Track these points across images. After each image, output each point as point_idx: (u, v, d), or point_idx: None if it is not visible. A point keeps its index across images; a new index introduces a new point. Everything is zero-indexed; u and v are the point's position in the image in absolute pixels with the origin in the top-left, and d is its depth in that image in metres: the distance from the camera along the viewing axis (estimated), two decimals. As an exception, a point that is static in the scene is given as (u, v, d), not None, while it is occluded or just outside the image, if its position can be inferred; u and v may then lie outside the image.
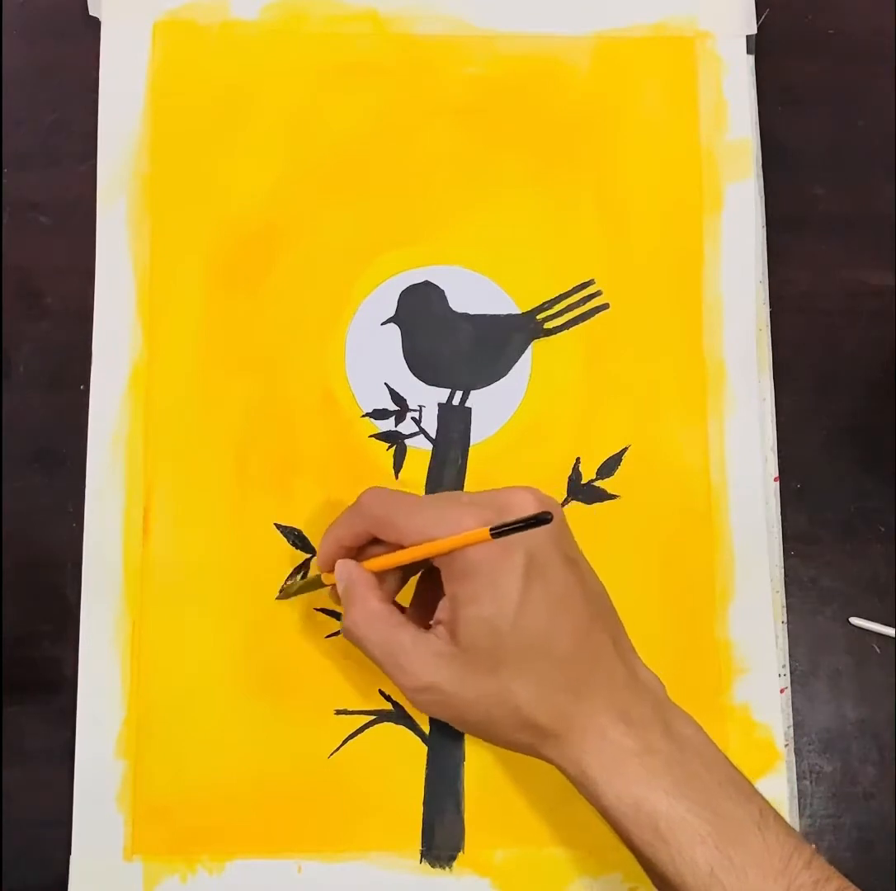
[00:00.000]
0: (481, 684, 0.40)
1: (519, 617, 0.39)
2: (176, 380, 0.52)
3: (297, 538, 0.51)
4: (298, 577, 0.50)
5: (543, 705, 0.40)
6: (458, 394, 0.53)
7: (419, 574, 0.46)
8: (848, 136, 0.56)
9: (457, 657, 0.40)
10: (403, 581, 0.45)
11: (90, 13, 0.55)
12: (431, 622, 0.42)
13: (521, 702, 0.40)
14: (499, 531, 0.38)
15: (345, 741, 0.49)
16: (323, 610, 0.50)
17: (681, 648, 0.50)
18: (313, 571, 0.50)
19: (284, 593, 0.50)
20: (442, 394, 0.53)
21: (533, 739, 0.41)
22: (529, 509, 0.39)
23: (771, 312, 0.54)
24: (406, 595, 0.46)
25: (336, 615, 0.50)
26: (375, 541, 0.44)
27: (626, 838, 0.40)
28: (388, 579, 0.44)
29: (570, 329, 0.53)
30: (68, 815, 0.48)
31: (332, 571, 0.45)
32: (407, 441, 0.52)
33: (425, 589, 0.46)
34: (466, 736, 0.49)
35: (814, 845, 0.39)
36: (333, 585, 0.45)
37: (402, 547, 0.42)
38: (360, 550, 0.44)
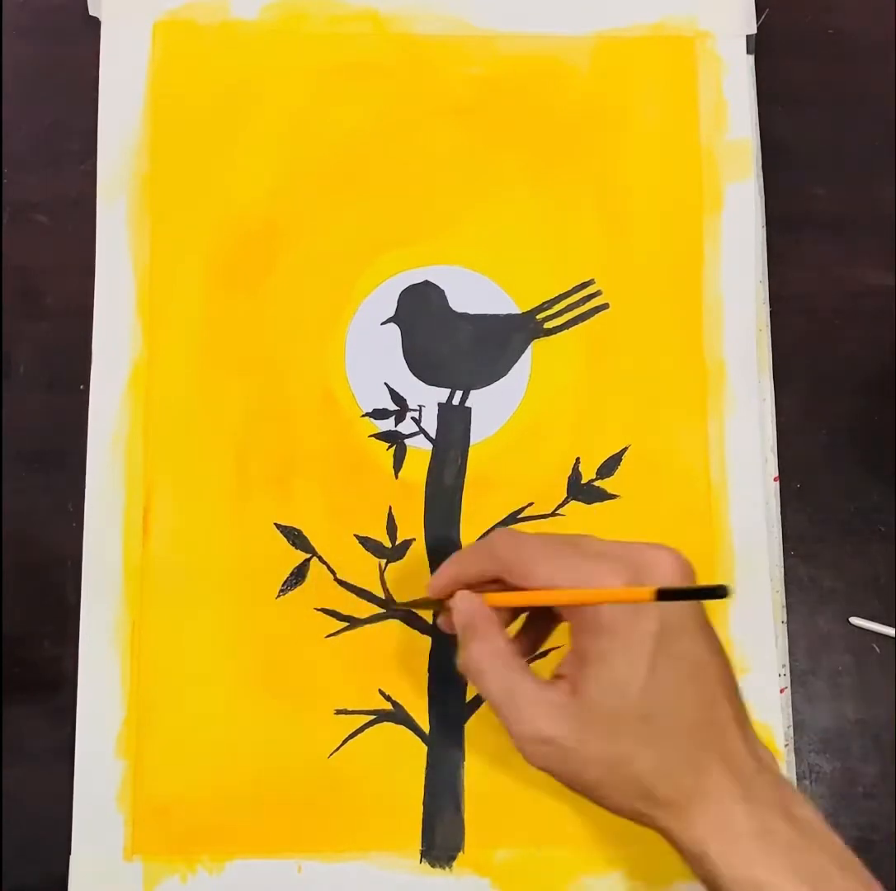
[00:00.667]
0: (602, 745, 0.38)
1: (648, 683, 0.38)
2: (176, 380, 0.52)
3: (297, 538, 0.51)
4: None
5: (664, 777, 0.38)
6: (458, 394, 0.53)
7: (528, 613, 0.45)
8: (848, 136, 0.56)
9: (578, 715, 0.38)
10: (514, 618, 0.44)
11: (90, 13, 0.55)
12: (555, 674, 0.41)
13: (642, 770, 0.38)
14: (668, 593, 0.36)
15: (345, 741, 0.49)
16: (324, 610, 0.50)
17: (681, 648, 0.50)
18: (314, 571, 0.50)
19: (400, 605, 0.50)
20: (442, 394, 0.53)
21: (649, 809, 0.39)
22: (669, 572, 0.38)
23: (771, 312, 0.54)
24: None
25: (337, 615, 0.50)
26: (495, 580, 0.42)
27: None
28: (502, 614, 0.43)
29: (570, 329, 0.53)
30: (68, 815, 0.48)
31: (442, 597, 0.44)
32: (407, 441, 0.52)
33: (532, 628, 0.45)
34: (466, 735, 0.50)
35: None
36: (447, 612, 0.44)
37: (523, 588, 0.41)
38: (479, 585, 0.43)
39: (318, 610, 0.50)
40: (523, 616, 0.44)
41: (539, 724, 0.39)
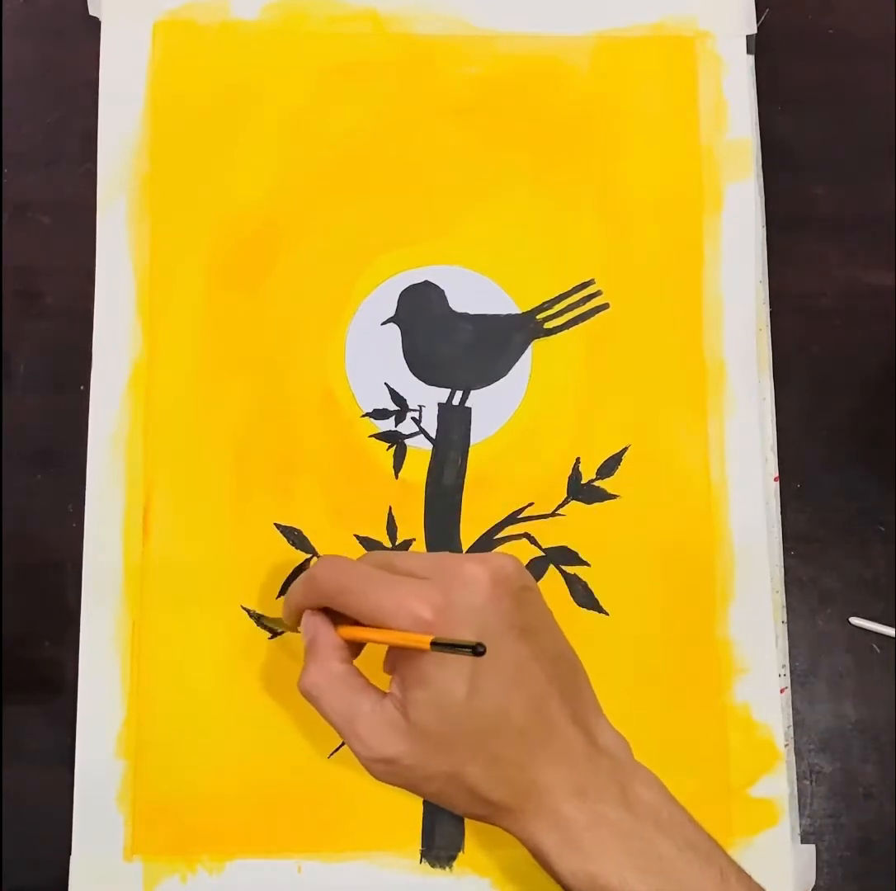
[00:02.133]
0: (435, 761, 0.39)
1: (469, 700, 0.38)
2: (176, 380, 0.52)
3: (296, 538, 0.51)
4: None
5: (497, 784, 0.39)
6: (458, 394, 0.53)
7: None
8: (848, 136, 0.56)
9: (411, 734, 0.39)
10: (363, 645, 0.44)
11: (90, 13, 0.55)
12: (387, 692, 0.41)
13: (475, 782, 0.39)
14: (438, 646, 0.37)
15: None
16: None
17: (681, 648, 0.50)
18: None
19: (268, 621, 0.50)
20: (442, 394, 0.53)
21: (488, 813, 0.40)
22: (477, 587, 0.39)
23: (771, 312, 0.54)
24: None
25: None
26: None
27: None
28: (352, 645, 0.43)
29: (570, 329, 0.53)
30: (68, 815, 0.48)
31: (293, 626, 0.44)
32: (407, 441, 0.52)
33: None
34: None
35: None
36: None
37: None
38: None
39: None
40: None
41: (376, 746, 0.39)
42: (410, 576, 0.40)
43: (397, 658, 0.41)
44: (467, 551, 0.51)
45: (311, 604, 0.43)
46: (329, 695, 0.41)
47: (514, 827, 0.40)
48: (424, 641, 0.37)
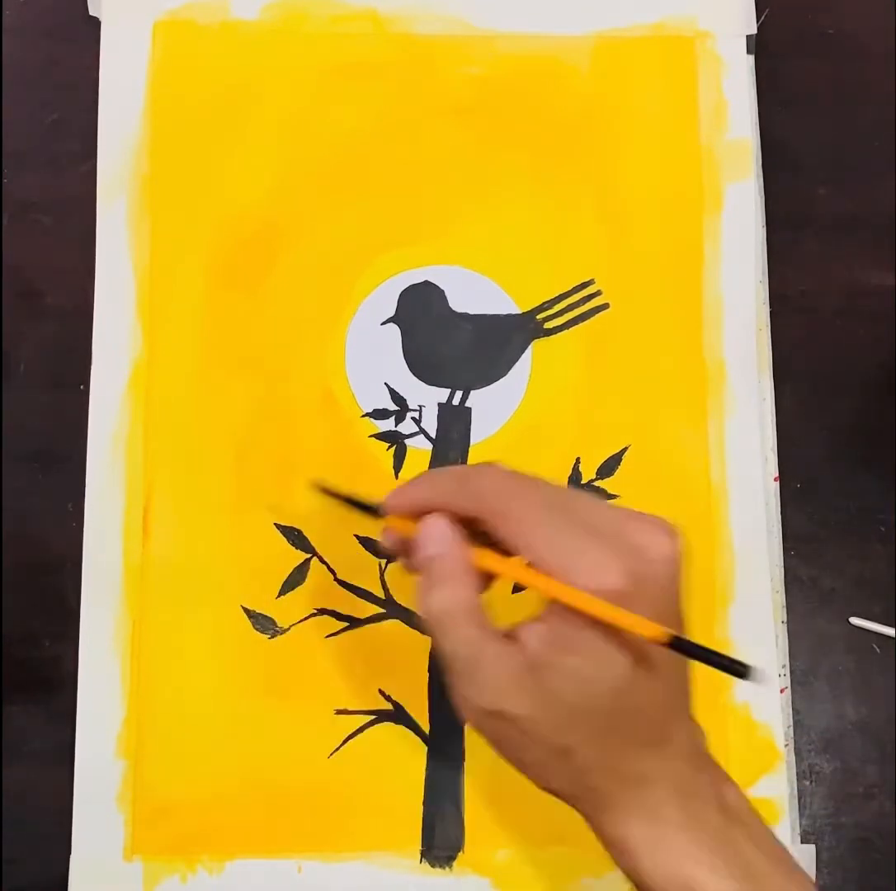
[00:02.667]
0: (551, 733, 0.36)
1: (619, 684, 0.35)
2: (176, 380, 0.52)
3: (296, 538, 0.51)
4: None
5: (606, 771, 0.36)
6: (458, 394, 0.53)
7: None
8: (848, 136, 0.56)
9: (537, 696, 0.35)
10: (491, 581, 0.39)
11: (90, 13, 0.55)
12: (514, 635, 0.36)
13: (585, 765, 0.36)
14: (679, 648, 0.34)
15: (345, 741, 0.49)
16: (323, 610, 0.50)
17: (681, 648, 0.50)
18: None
19: (322, 488, 0.44)
20: (442, 394, 0.53)
21: (581, 797, 0.37)
22: (669, 566, 0.36)
23: (771, 312, 0.54)
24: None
25: (337, 615, 0.50)
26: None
27: None
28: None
29: (570, 329, 0.53)
30: (68, 815, 0.48)
31: (401, 514, 0.38)
32: (407, 441, 0.52)
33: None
34: (466, 735, 0.49)
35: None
36: (400, 539, 0.39)
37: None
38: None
39: (318, 610, 0.50)
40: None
41: (498, 700, 0.35)
42: (594, 530, 0.35)
43: (552, 611, 0.35)
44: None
45: (455, 507, 0.37)
46: (461, 627, 0.36)
47: (603, 818, 0.37)
48: (657, 631, 0.33)
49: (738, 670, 0.34)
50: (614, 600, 0.34)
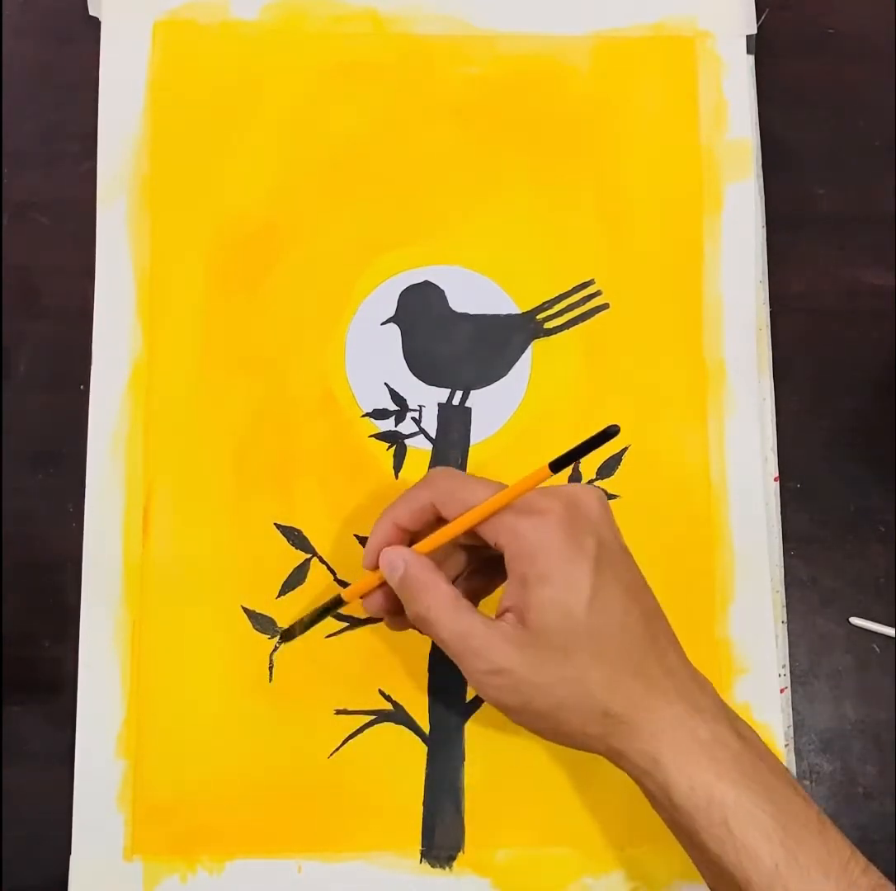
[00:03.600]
0: (555, 669, 0.39)
1: (594, 600, 0.39)
2: (176, 380, 0.52)
3: (296, 538, 0.51)
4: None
5: (619, 692, 0.39)
6: (458, 394, 0.53)
7: (468, 571, 0.45)
8: (848, 136, 0.56)
9: (529, 643, 0.39)
10: (458, 572, 0.45)
11: (90, 13, 0.55)
12: (499, 610, 0.41)
13: (596, 688, 0.39)
14: (560, 464, 0.38)
15: (345, 741, 0.49)
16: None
17: (681, 648, 0.50)
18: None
19: (288, 636, 0.47)
20: (442, 394, 0.53)
21: (604, 728, 0.40)
22: (595, 506, 0.41)
23: (771, 312, 0.54)
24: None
25: (337, 615, 0.50)
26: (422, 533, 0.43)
27: (691, 830, 0.39)
28: (445, 567, 0.43)
29: (570, 329, 0.53)
30: (68, 815, 0.48)
31: (375, 567, 0.43)
32: (407, 441, 0.52)
33: (476, 578, 0.45)
34: (466, 735, 0.49)
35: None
36: (367, 595, 0.44)
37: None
38: (411, 537, 0.43)
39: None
40: (465, 569, 0.45)
41: (491, 656, 0.39)
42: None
43: (515, 562, 0.40)
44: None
45: (418, 506, 0.42)
46: (445, 616, 0.40)
47: (630, 743, 0.39)
48: (542, 471, 0.38)
49: (608, 433, 0.37)
50: (557, 524, 0.39)
